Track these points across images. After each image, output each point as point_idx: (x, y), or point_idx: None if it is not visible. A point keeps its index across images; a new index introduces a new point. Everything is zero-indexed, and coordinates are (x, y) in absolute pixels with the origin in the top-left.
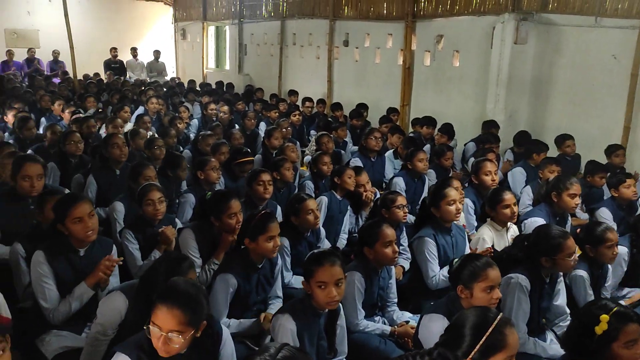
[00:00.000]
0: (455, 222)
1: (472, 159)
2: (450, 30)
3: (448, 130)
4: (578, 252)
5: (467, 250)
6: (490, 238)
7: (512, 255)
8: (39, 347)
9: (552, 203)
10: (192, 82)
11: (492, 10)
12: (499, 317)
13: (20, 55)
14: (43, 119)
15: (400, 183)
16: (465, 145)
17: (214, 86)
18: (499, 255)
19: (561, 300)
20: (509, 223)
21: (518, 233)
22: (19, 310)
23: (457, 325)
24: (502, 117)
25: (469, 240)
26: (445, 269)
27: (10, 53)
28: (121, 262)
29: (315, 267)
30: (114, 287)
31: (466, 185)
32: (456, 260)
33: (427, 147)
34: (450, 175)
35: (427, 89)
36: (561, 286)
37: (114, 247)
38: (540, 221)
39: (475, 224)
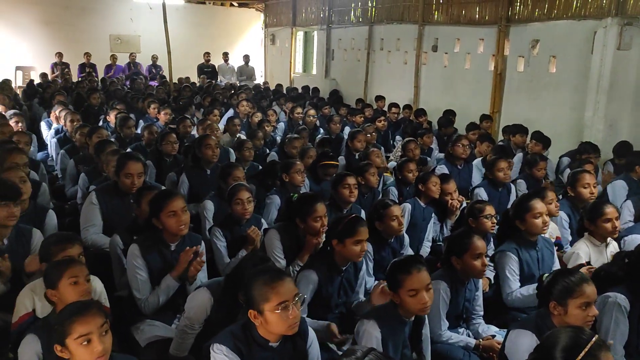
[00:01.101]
0: (543, 235)
1: (567, 171)
2: (546, 34)
3: (543, 138)
4: None
5: (557, 266)
6: (586, 254)
7: (611, 273)
8: (134, 334)
9: None
10: (279, 86)
11: (593, 14)
12: (593, 339)
13: (122, 60)
14: (141, 121)
15: (481, 193)
16: (560, 158)
17: (300, 91)
18: (596, 273)
19: None
20: (608, 239)
21: (618, 250)
22: (116, 299)
23: (547, 346)
24: (602, 126)
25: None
26: (531, 286)
27: (114, 57)
28: (204, 261)
29: (403, 276)
30: (201, 282)
31: (560, 197)
32: (546, 275)
33: (518, 156)
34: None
35: (520, 95)
36: None
37: (203, 243)
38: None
39: (570, 238)
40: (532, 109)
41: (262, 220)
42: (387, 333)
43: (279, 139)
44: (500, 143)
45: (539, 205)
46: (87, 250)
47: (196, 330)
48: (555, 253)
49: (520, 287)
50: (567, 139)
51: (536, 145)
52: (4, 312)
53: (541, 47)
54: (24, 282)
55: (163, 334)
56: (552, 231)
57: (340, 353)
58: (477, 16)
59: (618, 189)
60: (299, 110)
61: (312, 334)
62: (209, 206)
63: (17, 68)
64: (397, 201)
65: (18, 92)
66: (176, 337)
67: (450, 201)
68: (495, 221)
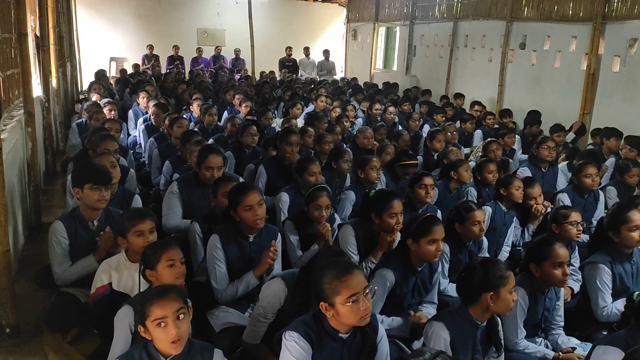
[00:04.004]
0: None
1: None
2: None
3: (638, 143)
4: None
5: None
6: None
7: None
8: (209, 319)
9: None
10: (354, 79)
11: None
12: None
13: (207, 53)
14: (225, 112)
15: (564, 199)
16: None
17: (380, 87)
18: None
19: None
20: None
21: None
22: (194, 284)
23: None
24: None
25: None
26: (621, 301)
27: (200, 50)
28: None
29: (506, 274)
30: (277, 273)
31: None
32: (637, 293)
33: (610, 161)
34: (635, 194)
35: (614, 97)
36: None
37: (279, 234)
38: None
39: None
40: (627, 112)
41: (336, 216)
42: (457, 336)
43: None
44: (590, 146)
45: (636, 217)
46: (167, 235)
47: (269, 319)
48: None
49: (613, 301)
50: None
51: (631, 151)
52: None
53: None
54: None
55: (237, 321)
56: None
57: (407, 349)
58: (570, 12)
59: None
60: (377, 106)
61: (382, 330)
62: (285, 198)
63: (112, 59)
64: (477, 203)
65: (111, 82)
66: (249, 324)
67: (535, 205)
68: (581, 228)
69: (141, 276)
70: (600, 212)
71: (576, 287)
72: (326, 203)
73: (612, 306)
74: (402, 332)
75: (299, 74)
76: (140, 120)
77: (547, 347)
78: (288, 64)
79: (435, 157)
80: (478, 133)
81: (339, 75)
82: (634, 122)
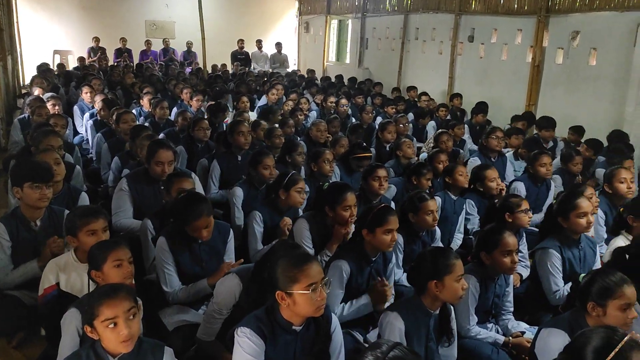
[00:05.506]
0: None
1: (598, 170)
2: (587, 26)
3: (579, 130)
4: None
5: (598, 265)
6: None
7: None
8: (162, 318)
9: None
10: (311, 72)
11: (637, 5)
12: (624, 339)
13: (156, 46)
14: (175, 108)
15: (520, 188)
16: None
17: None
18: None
19: None
20: None
21: None
22: (146, 282)
23: (578, 346)
24: None
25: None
26: (570, 284)
27: (148, 43)
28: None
29: (451, 262)
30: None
31: (597, 194)
32: (583, 275)
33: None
34: (578, 181)
35: (557, 88)
36: None
37: (232, 231)
38: None
39: (605, 236)
40: (571, 103)
41: (300, 211)
42: (411, 325)
43: None
44: (536, 136)
45: (584, 204)
46: (117, 233)
47: (224, 316)
48: (598, 252)
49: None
50: (607, 134)
51: (572, 135)
52: (35, 292)
53: (581, 39)
54: None
55: (190, 319)
56: None
57: (362, 340)
58: (515, 6)
59: None
60: (332, 99)
61: (335, 320)
62: (239, 193)
63: (55, 52)
64: (429, 193)
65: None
66: (204, 321)
67: (497, 187)
68: (531, 216)
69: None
70: (550, 199)
71: (525, 274)
72: (302, 185)
73: (564, 290)
74: (366, 310)
75: (252, 67)
76: (87, 115)
77: (497, 332)
78: (240, 56)
79: (388, 149)
80: (431, 124)
81: (291, 68)
82: (577, 112)
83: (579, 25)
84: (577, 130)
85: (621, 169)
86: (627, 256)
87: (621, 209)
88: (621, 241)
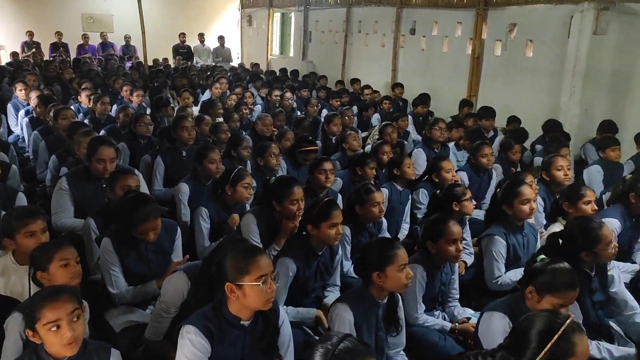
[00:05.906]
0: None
1: (537, 159)
2: (524, 18)
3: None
4: None
5: None
6: None
7: None
8: (108, 319)
9: (628, 204)
10: (256, 65)
11: None
12: (567, 322)
13: (94, 40)
14: (115, 105)
15: (463, 177)
16: (533, 145)
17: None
18: None
19: (617, 287)
20: None
21: None
22: (90, 283)
23: (522, 330)
24: (577, 111)
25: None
26: (513, 272)
27: (85, 37)
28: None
29: (392, 252)
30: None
31: (536, 181)
32: (542, 257)
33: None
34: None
35: (497, 80)
36: (614, 273)
37: (179, 229)
38: (614, 222)
39: (544, 222)
40: (509, 93)
41: (247, 205)
42: (360, 316)
43: None
44: (476, 127)
45: (527, 191)
46: (58, 234)
47: (172, 314)
48: (539, 238)
49: (506, 271)
50: (542, 123)
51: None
52: None
53: (518, 31)
54: None
55: (138, 319)
56: None
57: (313, 334)
58: None
59: (593, 173)
60: (276, 92)
61: (283, 313)
62: (184, 189)
63: None
64: (375, 185)
65: None
66: (151, 321)
67: (451, 178)
68: (475, 203)
69: (31, 280)
70: (492, 188)
71: (469, 261)
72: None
73: (506, 276)
74: (308, 322)
75: (194, 61)
76: (22, 112)
77: (444, 319)
78: (182, 50)
79: (334, 141)
80: (376, 116)
81: (235, 62)
82: (515, 102)
83: (515, 17)
84: (515, 120)
85: (558, 157)
86: (560, 241)
87: (557, 196)
88: (557, 227)
